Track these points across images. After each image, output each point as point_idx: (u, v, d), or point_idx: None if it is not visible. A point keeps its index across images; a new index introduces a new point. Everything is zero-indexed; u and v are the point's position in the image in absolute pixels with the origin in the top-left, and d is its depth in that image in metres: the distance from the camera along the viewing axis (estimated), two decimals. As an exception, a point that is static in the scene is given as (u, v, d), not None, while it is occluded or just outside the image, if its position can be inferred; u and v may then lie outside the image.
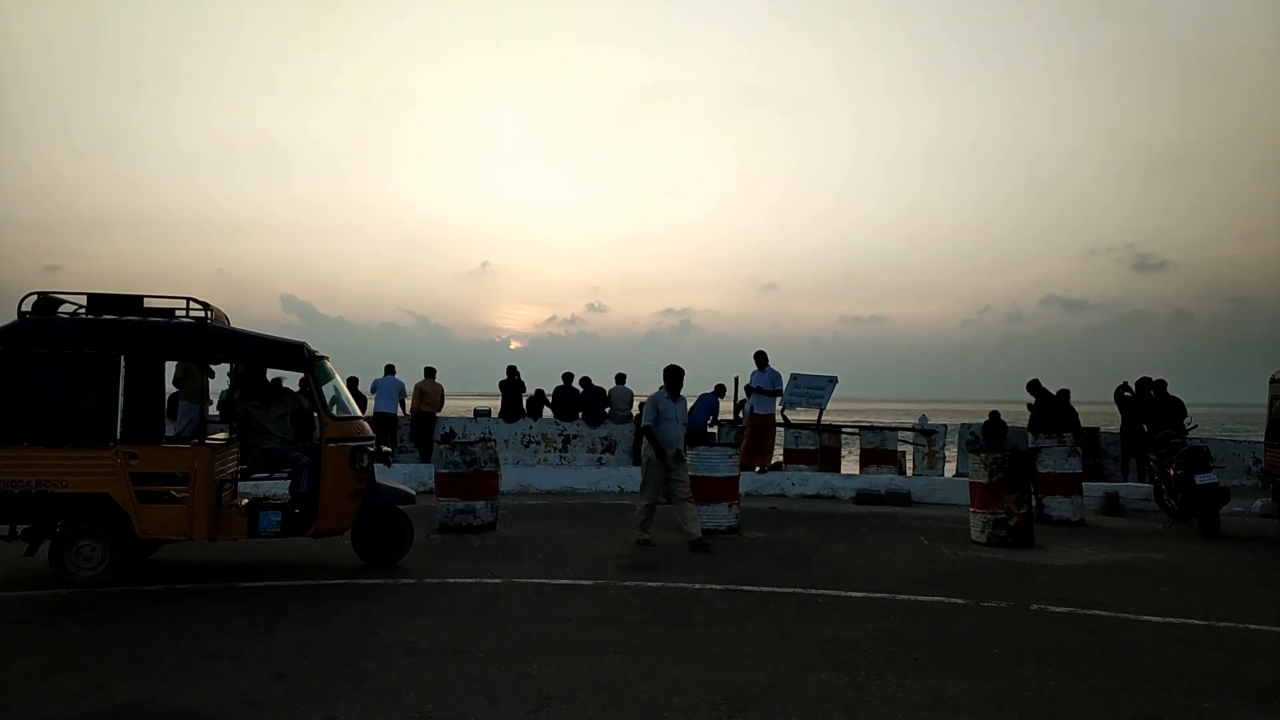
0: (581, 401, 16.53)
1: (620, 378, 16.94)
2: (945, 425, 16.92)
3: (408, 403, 16.24)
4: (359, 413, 8.11)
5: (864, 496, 12.55)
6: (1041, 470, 10.56)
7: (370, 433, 7.57)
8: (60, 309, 7.13)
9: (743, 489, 9.93)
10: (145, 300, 7.14)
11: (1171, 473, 9.99)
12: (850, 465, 16.55)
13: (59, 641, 5.27)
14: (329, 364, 7.69)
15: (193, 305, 7.16)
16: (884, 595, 6.54)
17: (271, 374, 8.67)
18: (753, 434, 14.28)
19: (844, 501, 12.54)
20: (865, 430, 16.46)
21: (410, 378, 16.40)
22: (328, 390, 7.36)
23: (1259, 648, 5.33)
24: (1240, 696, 4.40)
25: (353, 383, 15.50)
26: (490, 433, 15.09)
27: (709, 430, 16.30)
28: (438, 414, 16.37)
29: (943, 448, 16.06)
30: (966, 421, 17.51)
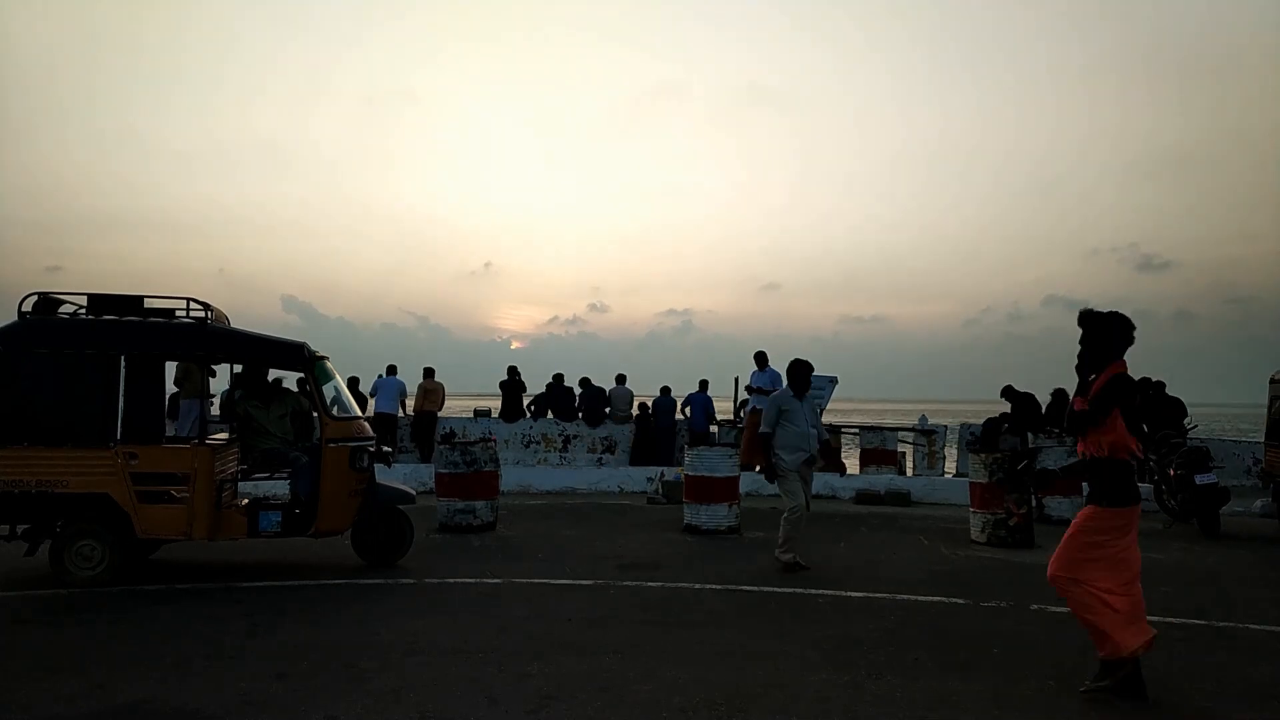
0: (582, 402, 16.55)
1: (620, 378, 16.95)
2: (945, 425, 16.94)
3: (409, 403, 16.27)
4: (359, 413, 8.12)
5: (864, 496, 12.56)
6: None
7: (370, 433, 7.57)
8: (60, 309, 7.13)
9: (743, 489, 9.94)
10: (145, 300, 7.15)
11: (1171, 473, 9.99)
12: (850, 465, 16.56)
13: (59, 641, 5.27)
14: (329, 364, 7.69)
15: (193, 305, 7.16)
16: (884, 595, 6.55)
17: (272, 374, 8.67)
18: (753, 434, 14.27)
19: (844, 501, 12.55)
20: (865, 430, 16.47)
21: (409, 378, 16.43)
22: (328, 390, 7.36)
23: (1259, 648, 5.33)
24: (1240, 696, 4.40)
25: (353, 383, 15.52)
26: (490, 433, 15.11)
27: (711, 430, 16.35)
28: (438, 413, 16.42)
29: (943, 448, 16.07)
30: (967, 421, 17.52)
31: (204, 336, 7.17)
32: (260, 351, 7.51)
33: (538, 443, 16.48)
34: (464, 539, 8.94)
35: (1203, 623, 5.81)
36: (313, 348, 7.36)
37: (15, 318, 6.85)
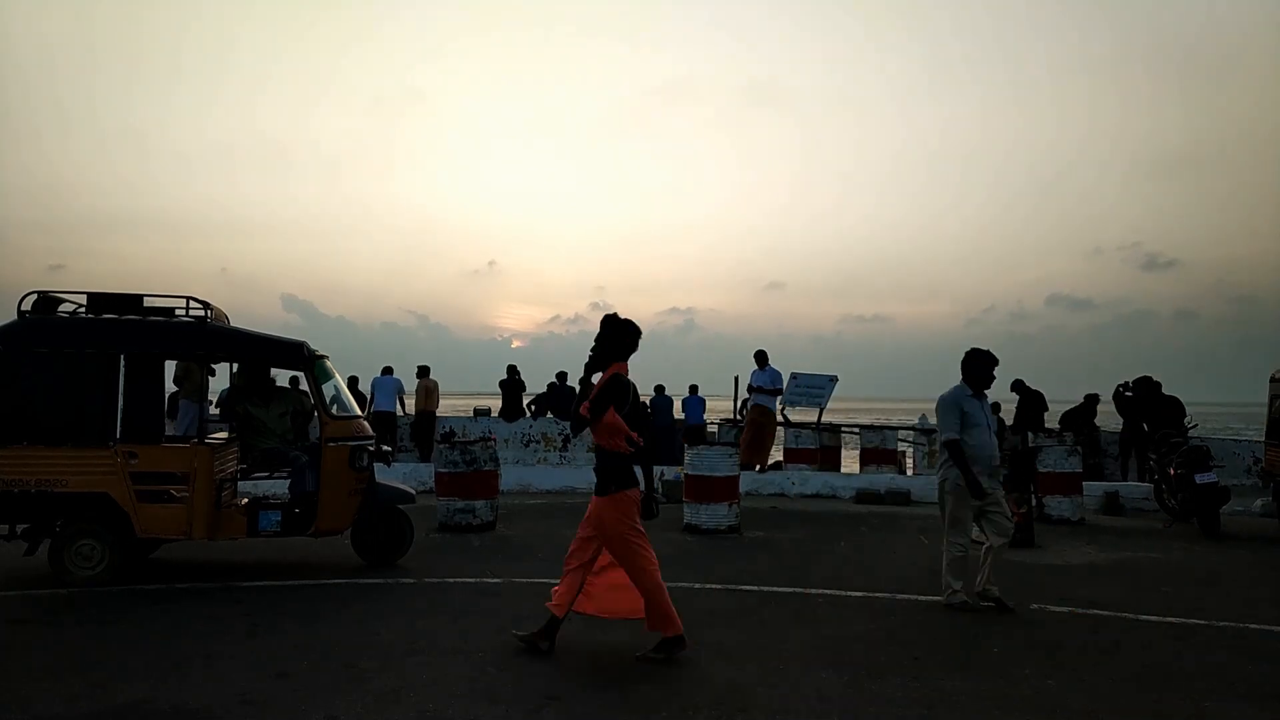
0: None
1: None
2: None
3: (409, 402, 16.26)
4: (359, 412, 8.11)
5: (864, 496, 12.55)
6: (1041, 470, 10.56)
7: (370, 432, 7.57)
8: (60, 308, 7.12)
9: (743, 488, 9.94)
10: (145, 299, 7.15)
11: (1172, 472, 9.99)
12: (850, 464, 16.56)
13: (59, 641, 5.27)
14: (329, 363, 7.68)
15: (192, 304, 7.16)
16: (884, 595, 6.54)
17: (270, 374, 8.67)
18: (753, 433, 14.28)
19: (844, 501, 12.54)
20: (865, 429, 16.48)
21: (407, 377, 16.42)
22: (327, 390, 7.36)
23: (1259, 648, 5.33)
24: (1240, 696, 4.40)
25: (353, 382, 15.52)
26: (490, 432, 15.09)
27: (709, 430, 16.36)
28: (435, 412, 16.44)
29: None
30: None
31: (203, 335, 7.17)
32: (260, 350, 7.51)
33: (537, 442, 16.48)
34: (464, 539, 8.94)
35: (1203, 622, 5.81)
36: (312, 347, 7.36)
37: (15, 317, 6.85)
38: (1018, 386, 14.93)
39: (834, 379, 15.53)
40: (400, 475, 10.88)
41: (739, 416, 16.10)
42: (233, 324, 7.70)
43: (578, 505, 11.52)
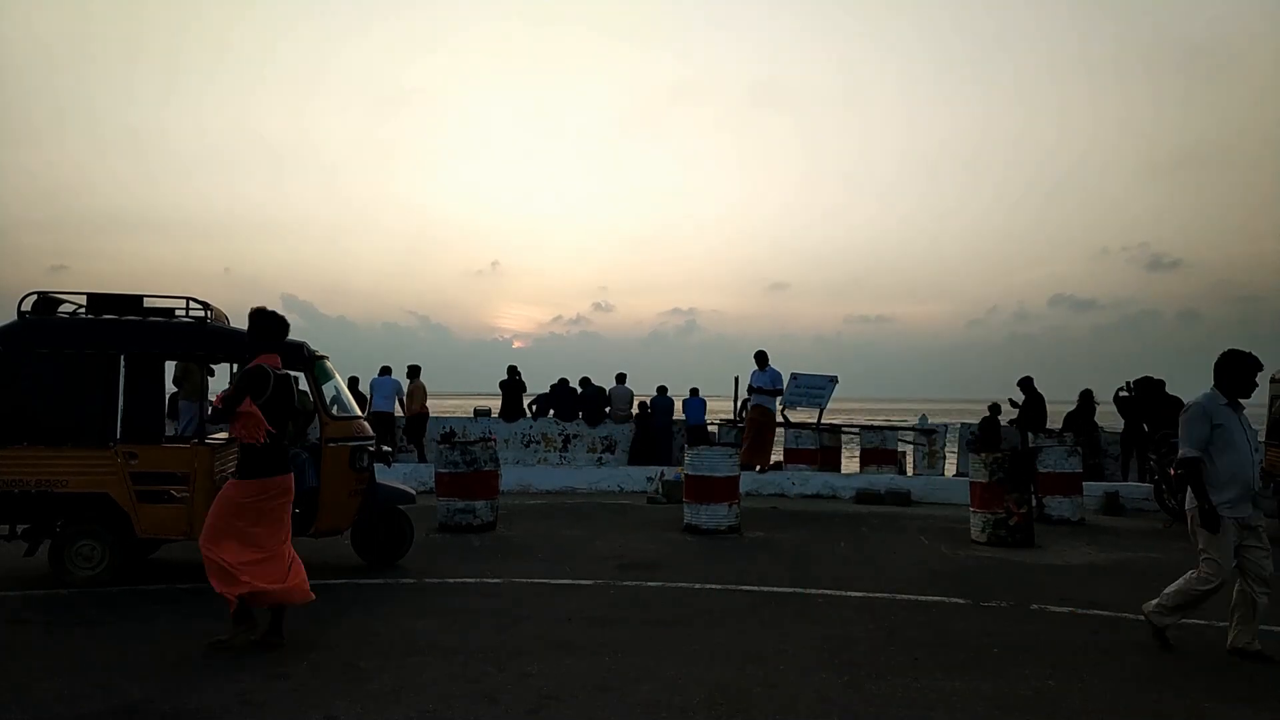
0: (581, 401, 16.56)
1: (620, 377, 16.96)
2: (945, 425, 16.94)
3: (407, 403, 16.23)
4: (359, 412, 8.11)
5: (864, 496, 12.56)
6: (1041, 470, 10.56)
7: (370, 432, 7.57)
8: (60, 309, 7.12)
9: (743, 488, 9.93)
10: (145, 300, 7.15)
11: (1172, 472, 9.98)
12: (850, 465, 16.56)
13: (59, 641, 5.27)
14: (329, 364, 7.68)
15: (192, 305, 7.16)
16: (884, 595, 6.54)
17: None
18: (753, 433, 14.29)
19: (844, 501, 12.55)
20: (865, 430, 16.47)
21: (401, 378, 16.37)
22: (327, 390, 7.35)
23: (1259, 648, 5.32)
24: (1240, 696, 4.40)
25: (353, 383, 15.51)
26: (490, 432, 15.10)
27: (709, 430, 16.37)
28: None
29: (943, 447, 16.07)
30: (967, 421, 17.53)
31: (203, 336, 7.17)
32: (259, 351, 7.50)
33: (538, 442, 16.48)
34: (464, 539, 8.94)
35: (1203, 622, 5.80)
36: (312, 347, 7.36)
37: (15, 317, 6.85)
38: (1025, 384, 14.92)
39: (834, 379, 15.52)
40: (400, 475, 10.89)
41: (739, 417, 16.11)
42: (233, 324, 7.70)
43: (578, 505, 11.57)
